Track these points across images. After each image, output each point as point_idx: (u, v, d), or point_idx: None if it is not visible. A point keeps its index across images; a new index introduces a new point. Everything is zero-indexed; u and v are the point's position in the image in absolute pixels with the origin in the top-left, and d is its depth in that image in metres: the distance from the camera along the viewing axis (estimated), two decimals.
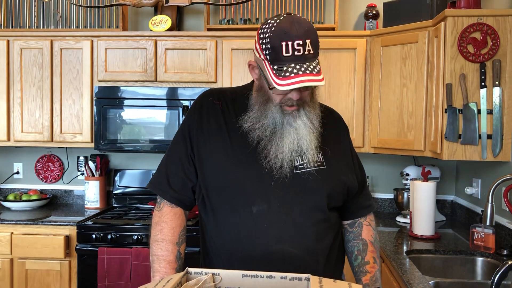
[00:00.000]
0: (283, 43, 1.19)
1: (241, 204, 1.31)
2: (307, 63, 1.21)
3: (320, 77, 1.21)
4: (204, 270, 1.07)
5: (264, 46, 1.23)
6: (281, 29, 1.20)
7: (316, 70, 1.21)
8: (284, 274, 1.05)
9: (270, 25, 1.23)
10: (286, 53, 1.20)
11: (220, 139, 1.36)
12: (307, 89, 1.28)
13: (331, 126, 1.44)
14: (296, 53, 1.20)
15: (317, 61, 1.24)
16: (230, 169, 1.32)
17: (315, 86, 1.28)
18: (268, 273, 1.06)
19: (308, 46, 1.21)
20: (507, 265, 1.40)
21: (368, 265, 1.42)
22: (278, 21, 1.23)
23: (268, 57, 1.23)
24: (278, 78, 1.20)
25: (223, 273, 1.06)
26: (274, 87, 1.22)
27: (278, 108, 1.29)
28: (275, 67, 1.21)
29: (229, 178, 1.32)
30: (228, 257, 1.32)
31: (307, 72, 1.20)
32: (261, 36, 1.24)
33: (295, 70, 1.19)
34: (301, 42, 1.19)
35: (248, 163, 1.31)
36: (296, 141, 1.29)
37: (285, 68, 1.20)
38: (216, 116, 1.39)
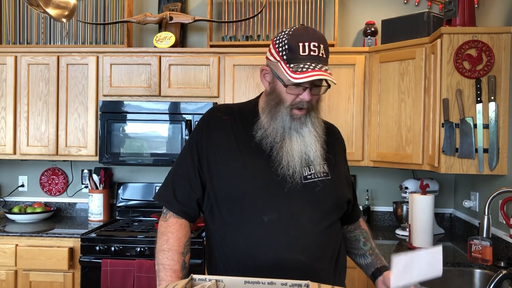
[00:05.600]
0: (300, 44, 1.30)
1: (252, 214, 1.34)
2: (321, 64, 1.30)
3: (333, 77, 1.30)
4: (208, 277, 1.11)
5: (280, 49, 1.32)
6: (298, 32, 1.32)
7: (328, 72, 1.30)
8: (284, 281, 1.09)
9: (287, 31, 1.34)
10: (302, 52, 1.29)
11: (230, 151, 1.40)
12: (318, 91, 1.35)
13: (333, 139, 1.52)
14: (312, 53, 1.29)
15: (328, 68, 1.32)
16: (242, 180, 1.36)
17: (322, 92, 1.37)
18: (270, 280, 1.10)
19: (322, 50, 1.31)
20: (501, 274, 1.45)
21: (377, 250, 1.56)
22: (293, 28, 1.34)
23: (284, 57, 1.31)
24: (295, 73, 1.28)
25: (226, 279, 1.11)
26: (290, 83, 1.30)
27: (289, 110, 1.35)
28: (292, 65, 1.30)
29: (241, 190, 1.36)
30: (238, 266, 1.35)
31: (322, 70, 1.28)
32: (277, 41, 1.34)
33: (311, 67, 1.28)
34: (316, 44, 1.30)
35: (259, 174, 1.36)
36: (304, 149, 1.35)
37: (301, 65, 1.29)
38: (225, 130, 1.43)
